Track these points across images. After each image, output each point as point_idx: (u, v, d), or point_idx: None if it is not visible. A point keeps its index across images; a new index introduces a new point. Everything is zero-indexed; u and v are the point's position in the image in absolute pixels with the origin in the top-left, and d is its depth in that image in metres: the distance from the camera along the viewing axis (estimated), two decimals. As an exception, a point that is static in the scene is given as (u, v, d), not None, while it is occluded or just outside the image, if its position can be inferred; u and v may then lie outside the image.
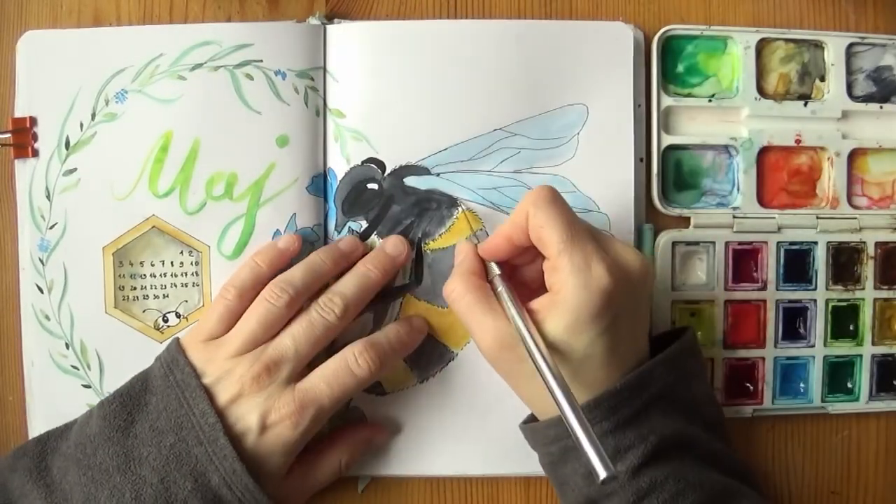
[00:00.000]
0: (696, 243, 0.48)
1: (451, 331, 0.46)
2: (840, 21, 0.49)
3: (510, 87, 0.46)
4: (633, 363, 0.40)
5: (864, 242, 0.48)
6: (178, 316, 0.46)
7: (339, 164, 0.46)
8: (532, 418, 0.43)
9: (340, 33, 0.46)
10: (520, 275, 0.43)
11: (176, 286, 0.46)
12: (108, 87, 0.45)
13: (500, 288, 0.40)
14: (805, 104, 0.48)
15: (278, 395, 0.40)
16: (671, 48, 0.48)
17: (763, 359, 0.48)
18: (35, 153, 0.45)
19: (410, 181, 0.46)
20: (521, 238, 0.40)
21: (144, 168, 0.45)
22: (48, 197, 0.45)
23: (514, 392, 0.42)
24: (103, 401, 0.41)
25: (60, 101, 0.45)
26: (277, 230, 0.45)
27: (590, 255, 0.37)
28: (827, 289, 0.48)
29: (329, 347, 0.43)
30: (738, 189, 0.48)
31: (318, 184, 0.46)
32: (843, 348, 0.49)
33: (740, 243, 0.48)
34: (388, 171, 0.46)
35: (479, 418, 0.46)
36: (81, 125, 0.45)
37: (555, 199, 0.39)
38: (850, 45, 0.49)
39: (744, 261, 0.48)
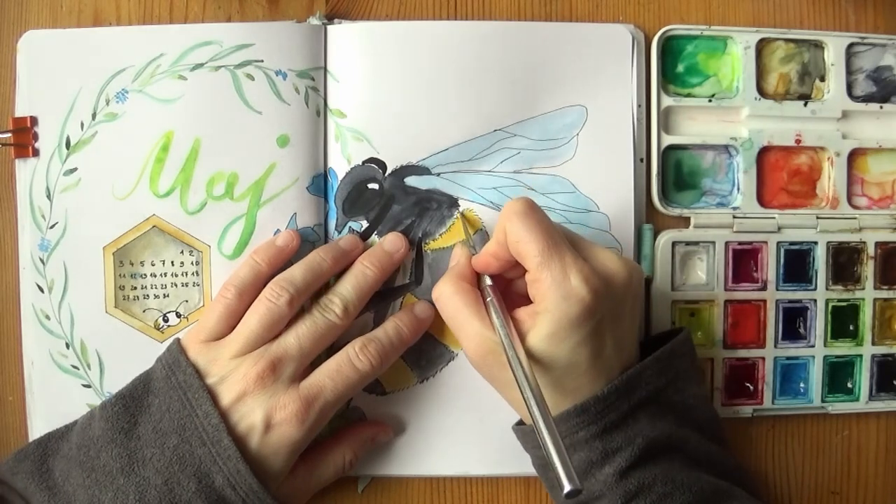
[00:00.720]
0: (696, 243, 0.48)
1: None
2: (840, 21, 0.49)
3: (510, 87, 0.46)
4: (621, 367, 0.39)
5: (864, 242, 0.48)
6: (178, 316, 0.46)
7: (340, 164, 0.46)
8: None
9: (341, 33, 0.46)
10: (514, 287, 0.43)
11: (176, 286, 0.46)
12: (109, 86, 0.45)
13: (489, 298, 0.40)
14: (805, 104, 0.48)
15: (282, 394, 0.40)
16: (671, 48, 0.48)
17: (763, 359, 0.48)
18: (35, 153, 0.45)
19: (411, 181, 0.46)
20: (505, 253, 0.40)
21: (145, 168, 0.45)
22: (49, 197, 0.45)
23: (501, 396, 0.41)
24: (105, 402, 0.41)
25: (61, 101, 0.45)
26: (278, 230, 0.45)
27: (568, 266, 0.37)
28: (827, 289, 0.48)
29: (329, 349, 0.43)
30: (738, 189, 0.48)
31: (319, 184, 0.46)
32: (843, 348, 0.49)
33: (740, 243, 0.48)
34: (388, 171, 0.46)
35: (479, 418, 0.46)
36: (82, 125, 0.45)
37: (528, 211, 0.38)
38: (850, 45, 0.49)
39: (744, 261, 0.48)
